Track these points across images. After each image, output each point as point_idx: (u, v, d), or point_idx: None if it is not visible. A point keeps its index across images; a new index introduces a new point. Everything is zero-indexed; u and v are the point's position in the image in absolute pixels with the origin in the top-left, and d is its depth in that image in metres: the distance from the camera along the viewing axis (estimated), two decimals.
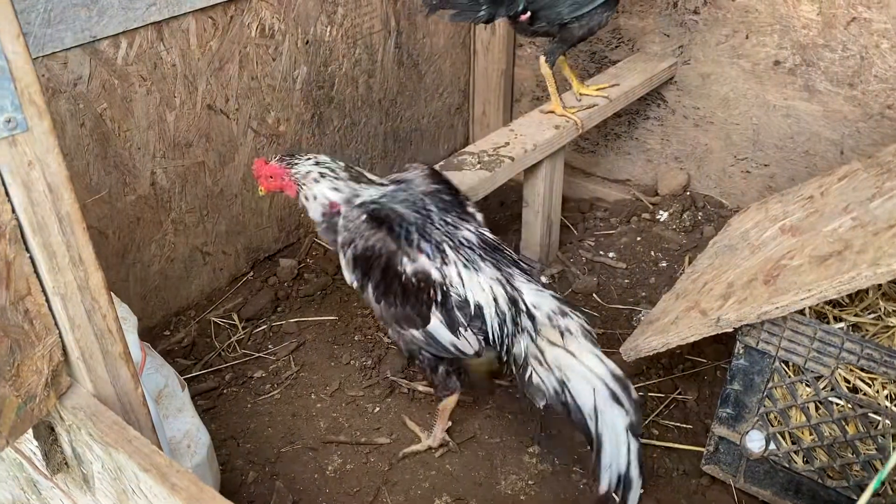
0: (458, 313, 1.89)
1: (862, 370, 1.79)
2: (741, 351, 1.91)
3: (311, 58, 2.94)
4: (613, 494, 1.77)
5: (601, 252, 3.13)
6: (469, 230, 2.00)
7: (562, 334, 1.86)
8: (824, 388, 1.84)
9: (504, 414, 2.39)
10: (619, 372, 1.80)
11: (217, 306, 2.89)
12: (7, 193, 0.99)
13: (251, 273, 3.04)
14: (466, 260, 1.92)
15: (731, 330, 1.80)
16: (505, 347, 1.91)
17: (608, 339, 2.68)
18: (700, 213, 3.30)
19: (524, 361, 1.88)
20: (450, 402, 2.15)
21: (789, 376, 1.88)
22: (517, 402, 2.44)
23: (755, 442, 2.01)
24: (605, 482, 1.78)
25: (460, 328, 1.89)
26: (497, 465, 2.20)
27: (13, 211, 1.00)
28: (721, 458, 2.10)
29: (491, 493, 2.12)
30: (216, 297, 2.94)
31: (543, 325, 1.88)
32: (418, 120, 3.59)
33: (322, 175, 2.02)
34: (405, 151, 3.59)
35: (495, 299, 1.90)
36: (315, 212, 2.04)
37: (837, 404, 1.84)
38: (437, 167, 2.52)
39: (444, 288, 1.88)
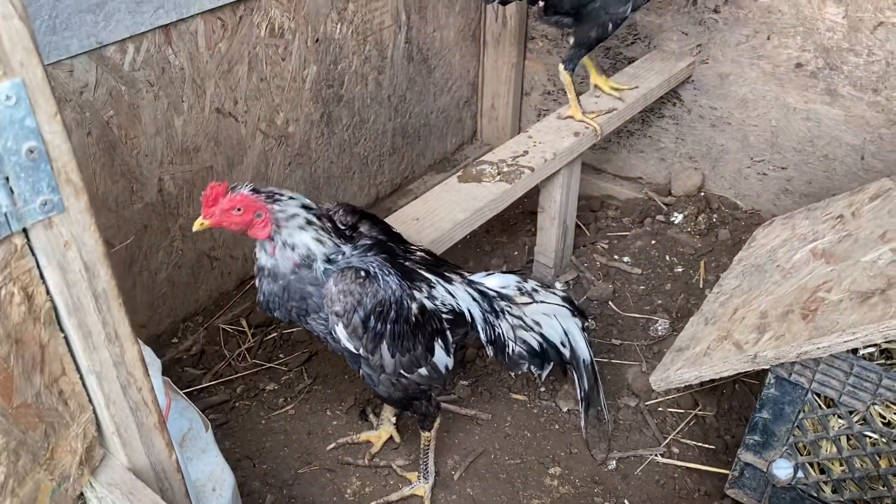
0: (448, 334, 1.93)
1: None
2: (772, 381, 1.88)
3: (321, 56, 2.85)
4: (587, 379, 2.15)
5: (615, 256, 3.09)
6: (413, 252, 1.97)
7: (530, 295, 2.10)
8: (858, 421, 1.81)
9: (522, 433, 2.35)
10: (566, 294, 2.19)
11: (225, 311, 2.83)
12: (42, 276, 0.92)
13: None
14: (440, 277, 1.96)
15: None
16: (491, 337, 2.02)
17: (626, 351, 2.65)
18: (715, 215, 3.25)
19: (509, 341, 2.04)
20: (436, 427, 2.11)
21: (821, 408, 1.85)
22: (535, 418, 2.41)
23: (782, 470, 1.98)
24: (586, 381, 2.14)
25: (451, 347, 1.95)
26: (518, 488, 2.17)
27: (48, 293, 0.94)
28: (746, 484, 2.08)
29: None
30: (224, 301, 2.87)
31: (514, 296, 2.08)
32: (427, 115, 3.51)
33: (309, 223, 1.69)
34: (413, 147, 3.51)
35: (474, 299, 2.00)
36: (285, 264, 1.71)
37: (871, 438, 1.81)
38: (456, 177, 2.45)
39: (438, 314, 1.90)
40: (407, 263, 1.87)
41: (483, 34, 3.55)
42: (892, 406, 1.76)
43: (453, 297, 1.94)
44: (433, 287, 1.89)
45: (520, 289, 2.09)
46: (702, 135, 3.28)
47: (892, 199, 2.04)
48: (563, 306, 2.13)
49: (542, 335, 2.08)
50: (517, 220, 3.40)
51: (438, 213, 2.27)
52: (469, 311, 1.97)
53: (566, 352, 2.11)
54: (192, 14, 2.35)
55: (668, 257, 3.07)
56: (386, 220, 2.30)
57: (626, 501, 2.15)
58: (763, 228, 2.45)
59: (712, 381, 2.51)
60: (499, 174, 2.42)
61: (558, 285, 2.92)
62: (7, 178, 0.84)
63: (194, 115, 2.50)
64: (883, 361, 1.89)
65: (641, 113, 3.34)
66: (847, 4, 2.72)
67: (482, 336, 2.00)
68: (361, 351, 1.78)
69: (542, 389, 2.50)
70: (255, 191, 1.65)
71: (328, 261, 1.72)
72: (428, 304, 1.87)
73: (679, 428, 2.37)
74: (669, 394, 2.48)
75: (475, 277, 2.07)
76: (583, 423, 2.34)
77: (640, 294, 2.91)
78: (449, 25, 3.38)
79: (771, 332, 1.77)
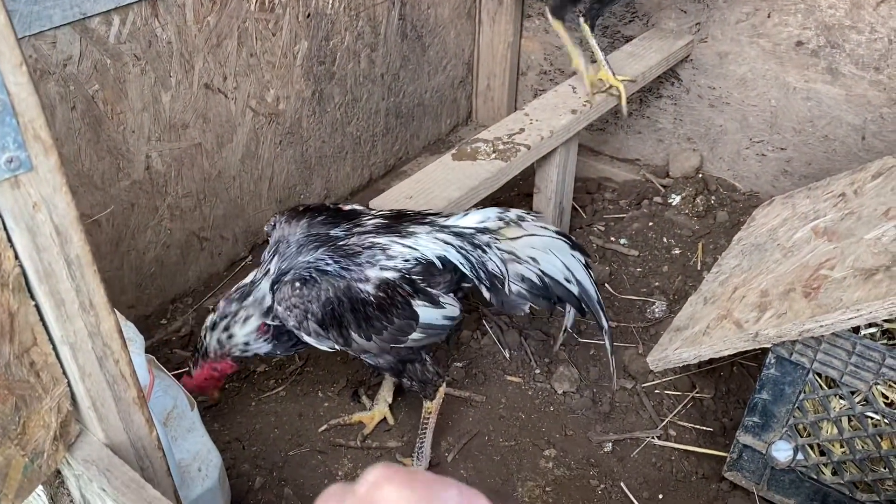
0: (429, 289, 1.87)
1: None
2: (772, 361, 1.84)
3: (313, 32, 2.78)
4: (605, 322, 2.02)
5: (612, 238, 3.04)
6: (365, 223, 1.92)
7: (518, 224, 1.95)
8: (860, 401, 1.77)
9: (517, 414, 2.31)
10: (557, 228, 2.04)
11: (215, 292, 2.78)
12: (10, 240, 0.87)
13: (250, 258, 2.93)
14: (396, 234, 1.89)
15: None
16: (483, 274, 1.91)
17: (622, 333, 2.61)
18: (713, 197, 3.20)
19: (502, 275, 1.90)
20: (440, 395, 2.06)
21: (822, 389, 1.81)
22: (529, 400, 2.37)
23: (782, 452, 1.95)
24: (604, 317, 2.00)
25: (440, 298, 1.88)
26: (513, 470, 2.14)
27: (16, 258, 0.89)
28: (744, 466, 2.04)
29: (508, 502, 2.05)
30: (214, 282, 2.82)
31: (499, 228, 1.94)
32: (421, 94, 3.45)
33: (227, 328, 1.89)
34: (407, 128, 3.46)
35: (447, 243, 1.90)
36: (260, 346, 1.93)
37: (873, 419, 1.77)
38: (451, 154, 2.40)
39: (407, 277, 1.84)
40: (352, 240, 1.83)
41: (479, 12, 3.49)
42: (894, 386, 1.73)
43: (415, 248, 1.86)
44: (387, 249, 1.84)
45: (502, 219, 1.95)
46: (700, 115, 3.23)
47: (895, 177, 1.99)
48: (560, 239, 1.97)
49: (541, 270, 1.94)
50: (513, 202, 3.35)
51: (432, 192, 2.22)
52: (442, 256, 1.87)
53: (574, 288, 1.94)
54: None
55: (665, 239, 3.03)
56: (379, 198, 2.26)
57: (622, 483, 2.11)
58: (763, 208, 2.40)
59: (710, 362, 2.47)
60: (494, 152, 2.37)
61: None
62: None
63: (182, 90, 2.44)
64: (885, 341, 1.86)
65: (639, 93, 3.29)
66: None
67: (469, 274, 1.89)
68: (337, 347, 1.81)
69: (538, 371, 2.46)
70: (195, 362, 1.97)
71: (265, 302, 1.86)
72: (388, 275, 1.81)
73: (676, 410, 2.33)
74: (666, 376, 2.44)
75: (450, 221, 1.95)
76: (612, 370, 2.37)
77: (637, 276, 2.86)
78: (444, 2, 3.31)
79: (772, 310, 1.73)
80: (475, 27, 3.54)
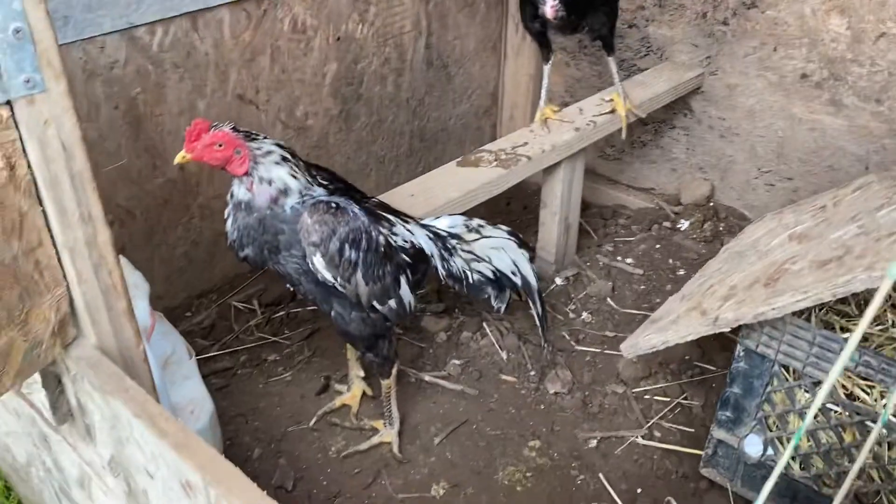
0: (408, 271, 2.06)
1: (861, 378, 1.79)
2: (741, 354, 1.92)
3: (342, 54, 3.02)
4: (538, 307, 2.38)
5: (619, 257, 3.15)
6: (371, 199, 2.09)
7: (477, 231, 2.28)
8: None
9: (507, 408, 2.42)
10: (510, 228, 2.37)
11: (239, 291, 2.97)
12: (24, 149, 1.06)
13: None
14: (398, 218, 2.10)
15: (728, 331, 1.82)
16: (447, 271, 2.20)
17: (619, 342, 2.68)
18: (721, 224, 3.30)
19: (465, 272, 2.22)
20: (394, 374, 2.20)
21: (788, 380, 1.89)
22: (522, 398, 2.47)
23: (753, 446, 2.01)
24: (539, 305, 2.37)
25: (411, 286, 2.08)
26: (496, 455, 2.24)
27: (29, 166, 1.08)
28: (719, 462, 2.11)
29: (487, 483, 2.15)
30: (238, 282, 3.02)
31: (463, 233, 2.26)
32: (445, 121, 3.65)
33: (284, 159, 1.82)
34: (431, 151, 3.65)
35: (430, 238, 2.15)
36: (262, 198, 1.82)
37: (835, 411, 1.84)
38: (455, 161, 2.57)
39: (400, 250, 2.03)
40: (367, 205, 2.01)
41: (504, 45, 3.70)
42: (855, 378, 1.80)
43: (412, 234, 2.08)
44: (394, 226, 2.03)
45: (467, 226, 2.27)
46: (711, 145, 3.35)
47: (871, 189, 2.08)
48: (510, 239, 2.31)
49: (494, 266, 2.27)
50: (529, 223, 3.48)
51: (433, 192, 2.39)
52: (430, 247, 2.14)
53: (517, 280, 2.30)
54: (218, 4, 2.55)
55: (671, 261, 3.12)
56: (384, 194, 2.44)
57: (600, 475, 2.19)
58: (754, 223, 2.50)
59: (702, 372, 2.54)
60: (496, 161, 2.53)
61: (558, 280, 2.99)
62: None
63: (217, 99, 2.68)
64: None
65: (653, 124, 3.44)
66: (850, 16, 2.79)
67: (441, 270, 2.16)
68: (338, 280, 1.88)
69: (532, 373, 2.56)
70: (234, 129, 1.81)
71: (301, 198, 1.84)
72: (391, 239, 2.00)
73: (662, 413, 2.41)
74: (658, 382, 2.52)
75: (426, 221, 2.22)
76: (543, 343, 2.62)
77: (640, 293, 2.96)
78: (469, 35, 3.53)
79: (735, 298, 1.83)
80: (500, 59, 3.75)
